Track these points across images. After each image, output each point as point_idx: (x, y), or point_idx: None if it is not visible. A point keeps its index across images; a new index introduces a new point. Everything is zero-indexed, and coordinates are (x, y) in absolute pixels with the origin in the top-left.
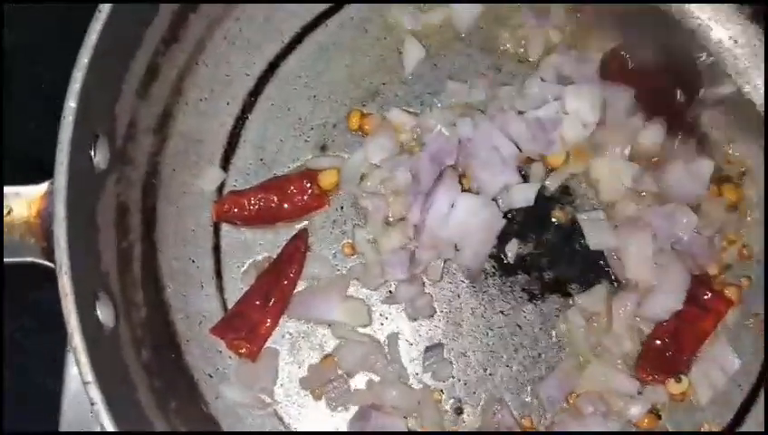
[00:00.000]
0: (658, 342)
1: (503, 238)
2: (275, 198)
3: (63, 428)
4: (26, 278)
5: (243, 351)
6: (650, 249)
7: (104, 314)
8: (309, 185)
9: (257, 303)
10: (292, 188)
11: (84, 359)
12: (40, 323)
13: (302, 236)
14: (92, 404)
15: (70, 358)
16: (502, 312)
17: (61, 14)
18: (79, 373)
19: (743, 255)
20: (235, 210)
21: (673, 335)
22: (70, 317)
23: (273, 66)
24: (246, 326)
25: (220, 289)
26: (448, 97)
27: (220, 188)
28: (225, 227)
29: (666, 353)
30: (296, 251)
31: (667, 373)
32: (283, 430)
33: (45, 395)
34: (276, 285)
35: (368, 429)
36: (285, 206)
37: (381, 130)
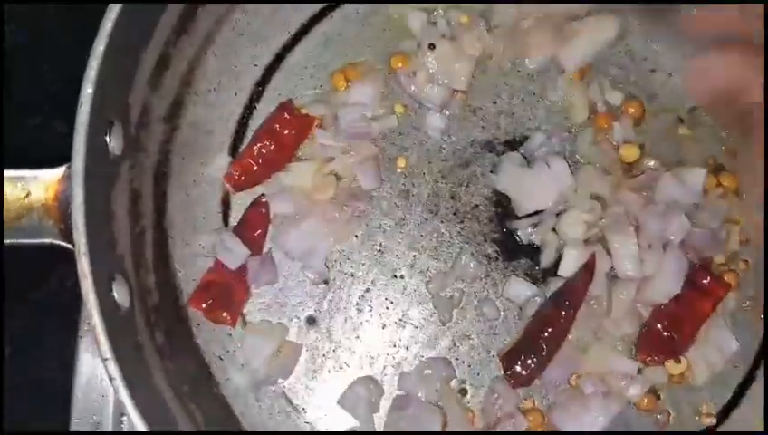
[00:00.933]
0: (658, 325)
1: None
2: (268, 142)
3: (74, 417)
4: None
5: (224, 318)
6: (635, 248)
7: (120, 294)
8: (287, 115)
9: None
10: (276, 125)
11: (103, 337)
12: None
13: (261, 201)
14: (111, 380)
15: (81, 345)
16: (504, 296)
17: (62, 14)
18: (98, 352)
19: (741, 239)
20: (244, 177)
21: (672, 318)
22: (88, 296)
23: (279, 57)
24: (220, 294)
25: None
26: None
27: None
28: (233, 214)
29: (665, 336)
30: (260, 216)
31: (667, 355)
32: (291, 410)
33: (55, 385)
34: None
35: (404, 418)
36: (282, 143)
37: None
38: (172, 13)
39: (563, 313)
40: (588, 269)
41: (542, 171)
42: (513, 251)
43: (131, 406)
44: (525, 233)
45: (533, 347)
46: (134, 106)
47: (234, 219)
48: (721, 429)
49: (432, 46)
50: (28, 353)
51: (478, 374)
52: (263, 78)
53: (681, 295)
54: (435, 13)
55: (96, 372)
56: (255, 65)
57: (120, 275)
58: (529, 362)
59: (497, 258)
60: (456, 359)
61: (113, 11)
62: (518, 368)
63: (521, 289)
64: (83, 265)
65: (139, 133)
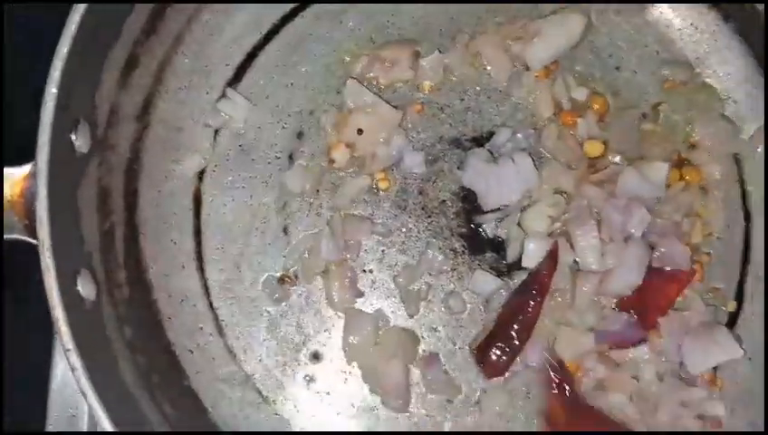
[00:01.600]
0: (624, 314)
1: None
2: None
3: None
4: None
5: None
6: (597, 241)
7: (85, 288)
8: None
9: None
10: None
11: (64, 328)
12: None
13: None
14: (73, 371)
15: (57, 347)
16: (470, 288)
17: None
18: (61, 344)
19: (703, 232)
20: None
21: (637, 307)
22: (51, 290)
23: (251, 56)
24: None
25: (201, 270)
26: None
27: (201, 173)
28: (205, 211)
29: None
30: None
31: (633, 342)
32: (262, 402)
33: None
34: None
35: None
36: None
37: None
38: (140, 13)
39: (531, 302)
40: (552, 257)
41: (508, 167)
42: (480, 245)
43: (92, 395)
44: (491, 227)
45: (505, 337)
46: (102, 105)
47: (206, 216)
48: None
49: (360, 131)
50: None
51: (444, 366)
52: (234, 77)
53: (645, 283)
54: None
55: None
56: (227, 64)
57: (86, 271)
58: (501, 352)
59: (464, 252)
60: (423, 351)
61: (77, 12)
62: (492, 358)
63: (486, 282)
64: (46, 260)
65: (107, 132)
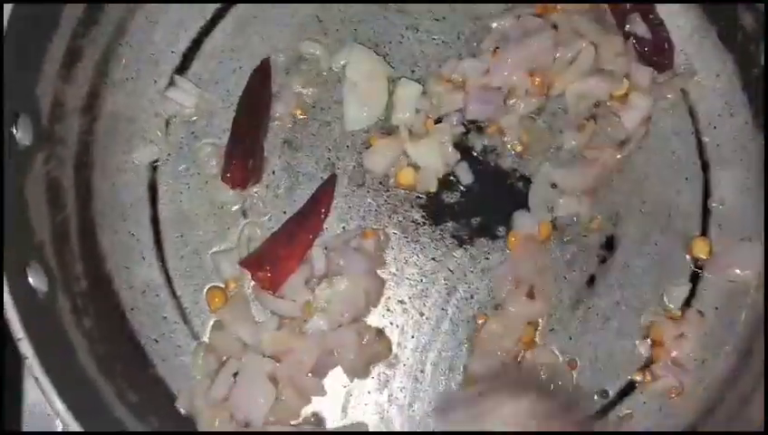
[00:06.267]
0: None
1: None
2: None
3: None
4: None
5: (265, 284)
6: None
7: (36, 280)
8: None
9: (283, 241)
10: None
11: (14, 317)
12: None
13: (331, 180)
14: (25, 359)
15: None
16: (434, 259)
17: None
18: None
19: None
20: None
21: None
22: None
23: (197, 42)
24: (271, 262)
25: (161, 259)
26: None
27: (154, 162)
28: (161, 201)
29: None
30: (325, 194)
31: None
32: None
33: None
34: (302, 225)
35: None
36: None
37: None
38: (77, 5)
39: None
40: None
41: None
42: (439, 214)
43: (45, 381)
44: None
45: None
46: (44, 98)
47: (162, 205)
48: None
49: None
50: None
51: (412, 337)
52: (181, 64)
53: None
54: None
55: None
56: (173, 51)
57: (36, 262)
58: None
59: (424, 223)
60: (390, 323)
61: (9, 6)
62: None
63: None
64: None
65: (53, 125)
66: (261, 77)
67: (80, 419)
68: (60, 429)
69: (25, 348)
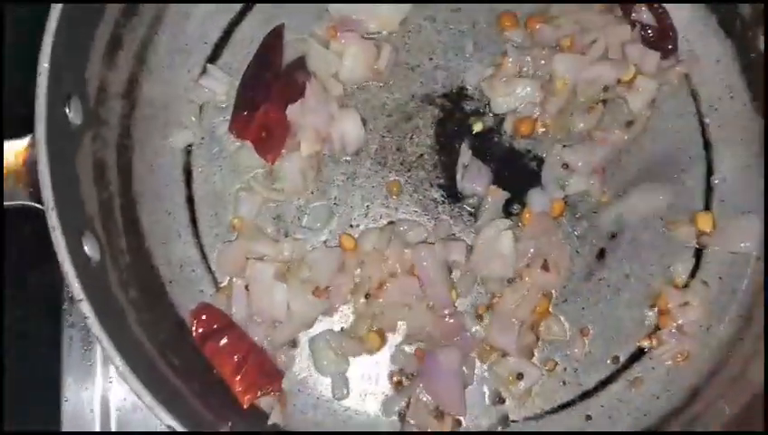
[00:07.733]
0: None
1: (450, 169)
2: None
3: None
4: None
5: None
6: None
7: (90, 248)
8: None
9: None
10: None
11: (74, 280)
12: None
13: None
14: (86, 318)
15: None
16: (453, 235)
17: None
18: (72, 296)
19: None
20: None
21: None
22: (59, 246)
23: (227, 33)
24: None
25: (197, 236)
26: None
27: (189, 146)
28: (196, 181)
29: None
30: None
31: None
32: None
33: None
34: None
35: None
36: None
37: None
38: None
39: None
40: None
41: None
42: (457, 194)
43: (106, 340)
44: None
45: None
46: (91, 81)
47: (197, 186)
48: None
49: None
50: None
51: None
52: (213, 53)
53: None
54: None
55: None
56: (205, 42)
57: (89, 232)
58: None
59: (443, 202)
60: None
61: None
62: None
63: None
64: (52, 218)
65: (98, 108)
66: (273, 38)
67: (136, 372)
68: (98, 429)
69: (86, 308)
